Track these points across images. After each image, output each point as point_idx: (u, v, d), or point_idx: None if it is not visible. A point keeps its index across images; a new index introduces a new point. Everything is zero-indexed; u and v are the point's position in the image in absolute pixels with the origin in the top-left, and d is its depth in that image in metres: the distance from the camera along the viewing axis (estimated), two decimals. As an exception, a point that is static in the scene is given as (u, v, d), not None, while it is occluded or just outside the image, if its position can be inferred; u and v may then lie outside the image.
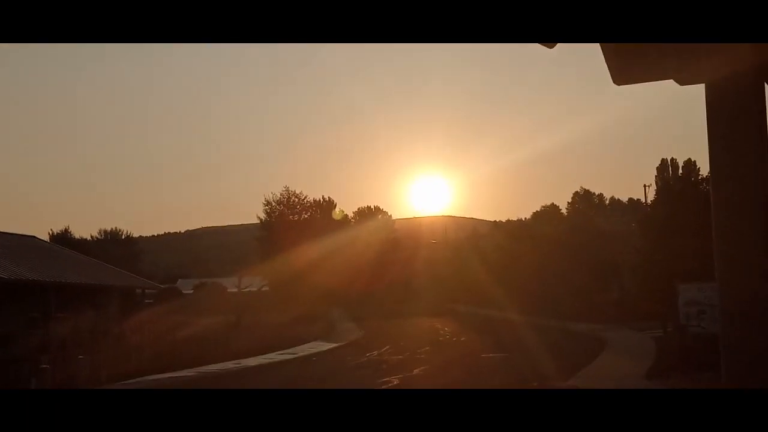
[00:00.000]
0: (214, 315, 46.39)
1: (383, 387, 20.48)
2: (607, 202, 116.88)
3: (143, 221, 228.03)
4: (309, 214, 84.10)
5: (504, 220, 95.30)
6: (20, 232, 40.80)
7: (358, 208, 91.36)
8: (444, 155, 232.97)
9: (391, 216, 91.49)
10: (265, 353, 31.60)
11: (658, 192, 56.75)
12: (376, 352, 32.13)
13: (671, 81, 4.89)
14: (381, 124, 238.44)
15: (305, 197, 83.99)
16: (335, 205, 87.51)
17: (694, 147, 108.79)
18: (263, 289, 67.38)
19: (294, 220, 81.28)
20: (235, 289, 64.75)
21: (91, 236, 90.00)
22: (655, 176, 62.73)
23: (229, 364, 28.00)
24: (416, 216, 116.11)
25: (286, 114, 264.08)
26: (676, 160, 62.33)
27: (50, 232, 76.60)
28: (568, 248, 56.99)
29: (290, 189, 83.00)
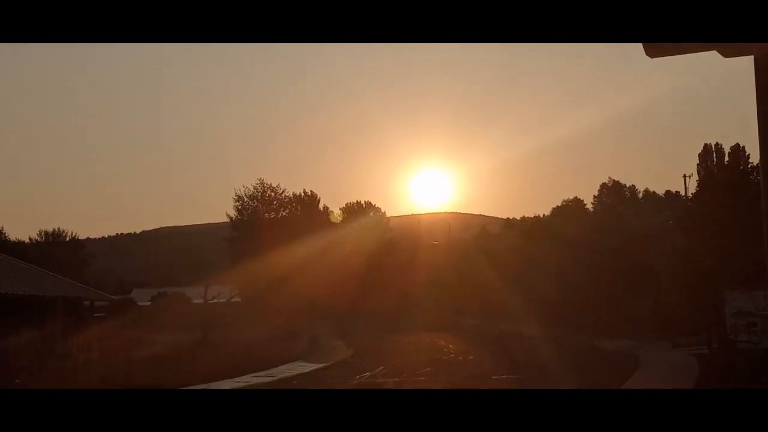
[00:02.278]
0: (177, 331, 46.38)
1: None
2: (641, 195, 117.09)
3: (91, 221, 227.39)
4: (288, 211, 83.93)
5: (518, 218, 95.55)
6: (-55, 234, 40.68)
7: (346, 204, 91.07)
8: (446, 143, 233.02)
9: (384, 213, 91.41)
10: (238, 376, 31.60)
11: (700, 183, 56.89)
12: (368, 374, 32.18)
13: (714, 53, 4.90)
14: (374, 109, 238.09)
15: (283, 191, 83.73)
16: (318, 201, 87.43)
17: (742, 130, 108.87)
18: (234, 299, 67.34)
19: (270, 218, 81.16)
20: (201, 300, 64.71)
21: (30, 238, 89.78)
22: (697, 165, 62.80)
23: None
24: (414, 213, 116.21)
25: (260, 99, 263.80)
26: (721, 145, 62.41)
27: (-19, 234, 76.22)
28: (594, 250, 57.08)
29: (265, 182, 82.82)
